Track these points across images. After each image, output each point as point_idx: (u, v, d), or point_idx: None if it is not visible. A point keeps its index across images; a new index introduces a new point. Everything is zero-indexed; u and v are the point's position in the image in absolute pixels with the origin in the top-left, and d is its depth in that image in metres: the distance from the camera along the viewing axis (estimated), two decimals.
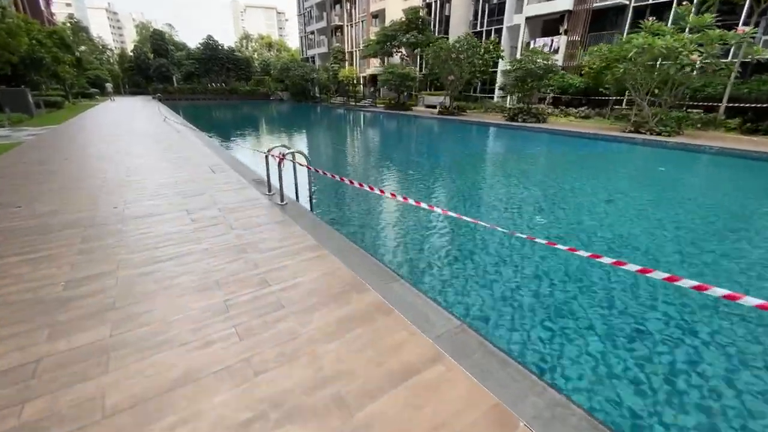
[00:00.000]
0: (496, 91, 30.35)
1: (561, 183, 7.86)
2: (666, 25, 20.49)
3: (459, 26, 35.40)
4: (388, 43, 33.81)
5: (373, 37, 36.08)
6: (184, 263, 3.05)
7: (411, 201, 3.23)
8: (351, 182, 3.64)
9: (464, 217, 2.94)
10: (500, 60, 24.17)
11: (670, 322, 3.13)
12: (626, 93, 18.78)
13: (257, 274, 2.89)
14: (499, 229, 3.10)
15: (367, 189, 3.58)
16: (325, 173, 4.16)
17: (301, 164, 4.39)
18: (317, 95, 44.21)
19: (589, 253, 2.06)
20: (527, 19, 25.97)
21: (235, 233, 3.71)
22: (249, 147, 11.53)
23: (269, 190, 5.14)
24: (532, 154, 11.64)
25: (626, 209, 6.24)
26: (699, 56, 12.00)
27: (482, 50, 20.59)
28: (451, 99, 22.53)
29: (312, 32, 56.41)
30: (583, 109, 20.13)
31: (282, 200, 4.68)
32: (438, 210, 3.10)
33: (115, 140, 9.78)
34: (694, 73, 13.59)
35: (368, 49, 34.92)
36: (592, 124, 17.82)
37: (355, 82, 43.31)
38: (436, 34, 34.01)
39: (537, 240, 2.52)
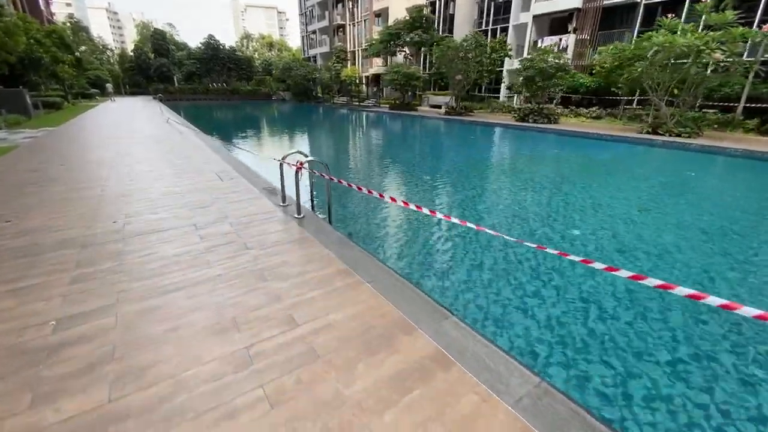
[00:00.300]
0: (502, 91, 29.93)
1: (589, 190, 7.42)
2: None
3: (463, 25, 34.93)
4: (392, 42, 33.37)
5: (376, 36, 35.64)
6: (195, 294, 2.61)
7: (439, 215, 2.80)
8: (381, 196, 3.20)
9: (508, 238, 2.50)
10: (507, 59, 23.70)
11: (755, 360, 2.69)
12: (638, 93, 18.34)
13: (281, 309, 2.45)
14: (550, 250, 2.65)
15: (389, 200, 3.15)
16: (350, 185, 3.72)
17: (322, 175, 3.95)
18: (319, 95, 43.75)
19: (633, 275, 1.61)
20: (535, 17, 25.51)
21: (250, 254, 3.27)
22: (257, 151, 11.04)
23: (283, 201, 4.70)
24: (550, 158, 11.19)
25: (664, 220, 5.79)
26: (722, 54, 11.53)
27: (489, 49, 20.12)
28: (458, 99, 22.07)
29: (314, 31, 55.95)
30: (594, 109, 19.66)
31: (299, 213, 4.24)
32: (471, 226, 2.67)
33: (116, 143, 9.36)
34: (713, 72, 13.14)
35: (371, 48, 34.47)
36: (605, 125, 17.37)
37: (357, 81, 42.86)
38: (440, 33, 33.57)
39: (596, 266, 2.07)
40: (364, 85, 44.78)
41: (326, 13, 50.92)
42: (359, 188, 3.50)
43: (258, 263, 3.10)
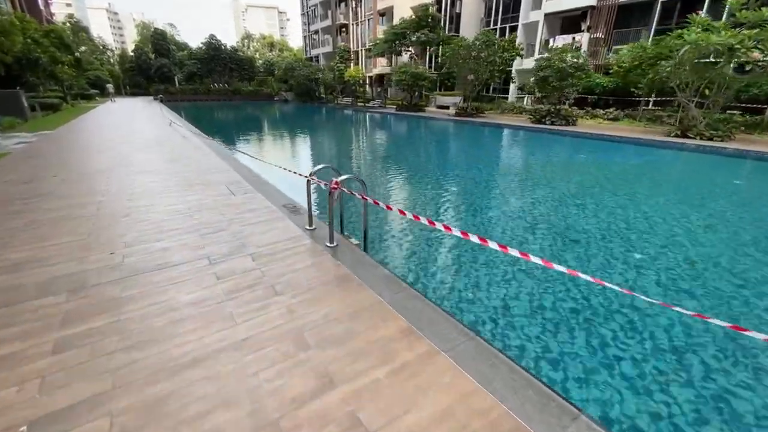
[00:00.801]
0: (511, 91, 29.25)
1: (635, 202, 6.74)
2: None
3: (470, 24, 34.28)
4: (397, 42, 32.69)
5: (381, 35, 34.97)
6: (217, 376, 1.93)
7: (493, 245, 2.13)
8: (430, 222, 2.53)
9: (613, 287, 1.83)
10: (519, 58, 23.00)
11: None
12: (658, 94, 17.65)
13: (339, 403, 1.77)
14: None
15: (426, 222, 2.48)
16: (388, 207, 3.05)
17: (359, 196, 3.27)
18: (322, 96, 43.09)
19: None
20: (546, 15, 24.83)
21: (282, 303, 2.59)
22: (267, 157, 10.34)
23: (310, 224, 4.02)
24: (580, 164, 10.49)
25: (737, 239, 5.11)
26: (760, 54, 10.84)
27: (501, 48, 19.45)
28: (469, 99, 21.38)
29: (316, 31, 55.31)
30: (611, 110, 18.97)
31: (332, 240, 3.57)
32: (536, 261, 2.01)
33: (115, 149, 8.70)
34: (745, 72, 12.46)
35: (376, 47, 33.79)
36: (626, 127, 16.68)
37: (361, 82, 42.19)
38: (447, 32, 32.92)
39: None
40: (367, 86, 44.14)
41: (329, 12, 50.26)
42: (401, 212, 2.82)
43: (294, 318, 2.42)
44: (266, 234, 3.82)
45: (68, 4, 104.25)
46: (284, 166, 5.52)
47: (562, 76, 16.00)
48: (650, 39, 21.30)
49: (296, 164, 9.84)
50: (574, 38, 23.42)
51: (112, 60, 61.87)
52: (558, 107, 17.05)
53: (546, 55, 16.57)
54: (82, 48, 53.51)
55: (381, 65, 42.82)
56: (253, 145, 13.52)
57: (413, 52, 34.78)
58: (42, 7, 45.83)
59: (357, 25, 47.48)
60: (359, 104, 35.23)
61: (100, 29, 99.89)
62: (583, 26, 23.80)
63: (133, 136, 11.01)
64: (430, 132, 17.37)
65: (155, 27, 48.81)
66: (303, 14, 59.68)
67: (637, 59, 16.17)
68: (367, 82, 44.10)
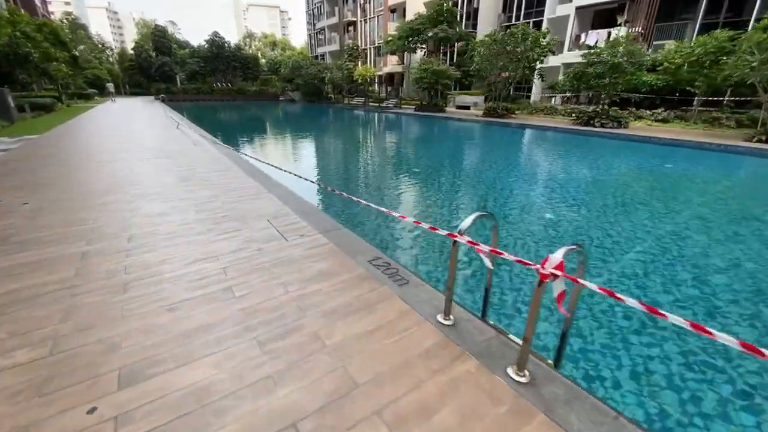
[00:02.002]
0: (535, 90, 27.52)
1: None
2: (753, 13, 17.66)
3: (489, 19, 32.56)
4: (412, 39, 30.99)
5: (393, 32, 33.26)
6: None
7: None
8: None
9: None
10: (551, 54, 21.25)
11: None
12: (711, 93, 15.92)
13: None
14: None
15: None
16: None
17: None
18: (330, 95, 41.34)
19: None
20: (578, 9, 23.10)
21: None
22: (299, 169, 8.49)
23: (446, 314, 2.28)
24: (666, 175, 8.72)
25: None
26: None
27: (537, 42, 17.70)
28: (500, 99, 19.64)
29: (322, 29, 53.59)
30: (658, 110, 17.24)
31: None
32: None
33: (112, 161, 6.97)
34: None
35: (389, 45, 32.08)
36: (680, 129, 14.96)
37: (372, 80, 40.47)
38: (464, 28, 31.22)
39: None
40: (376, 85, 42.43)
41: (336, 9, 48.54)
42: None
43: None
44: (376, 341, 2.07)
45: (67, 2, 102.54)
46: (343, 190, 3.83)
47: (616, 73, 14.25)
48: (695, 34, 19.66)
49: (346, 184, 7.67)
50: (609, 33, 21.69)
51: (111, 59, 60.12)
52: (607, 108, 15.30)
53: (597, 48, 14.77)
54: (81, 47, 51.82)
55: (392, 63, 41.09)
56: (275, 153, 11.59)
57: (428, 49, 33.09)
58: (38, 3, 44.15)
59: (365, 22, 45.76)
60: (372, 104, 33.44)
61: (99, 28, 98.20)
62: (620, 20, 22.10)
63: (134, 143, 9.26)
64: (467, 137, 15.40)
65: (156, 24, 47.00)
66: (308, 11, 57.96)
67: (694, 55, 14.49)
68: (376, 81, 42.36)
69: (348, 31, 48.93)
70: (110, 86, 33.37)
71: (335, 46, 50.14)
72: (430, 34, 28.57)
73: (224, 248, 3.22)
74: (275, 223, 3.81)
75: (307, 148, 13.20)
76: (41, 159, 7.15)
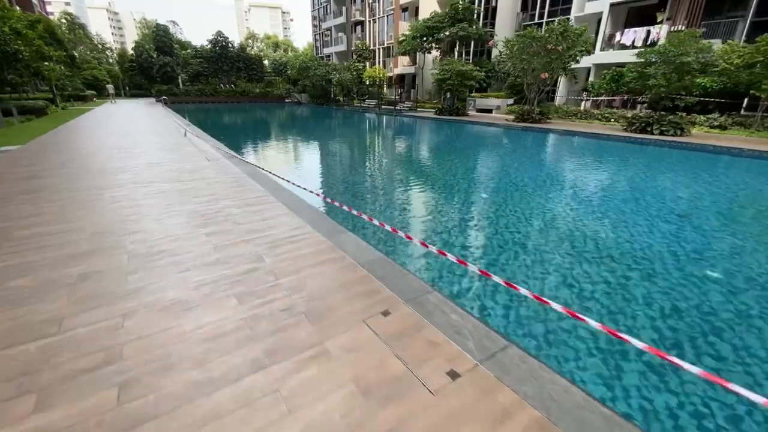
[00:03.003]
0: (560, 93, 25.90)
1: None
2: None
3: (507, 18, 31.02)
4: (427, 38, 29.42)
5: (407, 31, 31.67)
6: None
7: None
8: None
9: None
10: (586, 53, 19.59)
11: None
12: (763, 97, 14.27)
13: None
14: None
15: None
16: None
17: None
18: (339, 97, 39.71)
19: None
20: (612, 5, 21.51)
21: None
22: (361, 202, 6.73)
23: None
24: None
25: None
26: None
27: (578, 41, 16.06)
28: (534, 102, 18.00)
29: (328, 29, 52.05)
30: (714, 116, 15.60)
31: None
32: None
33: (105, 189, 5.30)
34: None
35: (403, 45, 30.45)
36: (745, 137, 13.32)
37: (382, 82, 38.87)
38: (482, 27, 29.64)
39: None
40: (385, 87, 40.78)
41: (343, 8, 47.02)
42: None
43: None
44: None
45: (67, 3, 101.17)
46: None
47: (683, 74, 12.60)
48: (744, 32, 18.08)
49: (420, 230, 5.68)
50: (649, 32, 20.10)
51: (111, 60, 58.51)
52: (665, 113, 13.66)
53: (660, 47, 13.05)
54: (80, 47, 50.22)
55: (402, 65, 39.51)
56: (309, 171, 9.35)
57: (442, 48, 31.52)
58: (35, 2, 42.53)
59: (374, 21, 44.24)
60: (384, 107, 31.78)
61: (100, 29, 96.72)
62: (660, 17, 20.49)
63: (135, 158, 7.59)
64: (512, 147, 12.96)
65: (158, 23, 45.39)
66: (313, 11, 56.45)
67: (763, 53, 12.86)
68: (385, 82, 40.71)
69: (355, 31, 47.41)
70: (110, 87, 31.74)
71: (342, 47, 48.59)
72: (447, 32, 27.00)
73: (278, 366, 1.55)
74: (387, 338, 2.12)
75: (347, 167, 11.44)
76: (14, 182, 5.48)
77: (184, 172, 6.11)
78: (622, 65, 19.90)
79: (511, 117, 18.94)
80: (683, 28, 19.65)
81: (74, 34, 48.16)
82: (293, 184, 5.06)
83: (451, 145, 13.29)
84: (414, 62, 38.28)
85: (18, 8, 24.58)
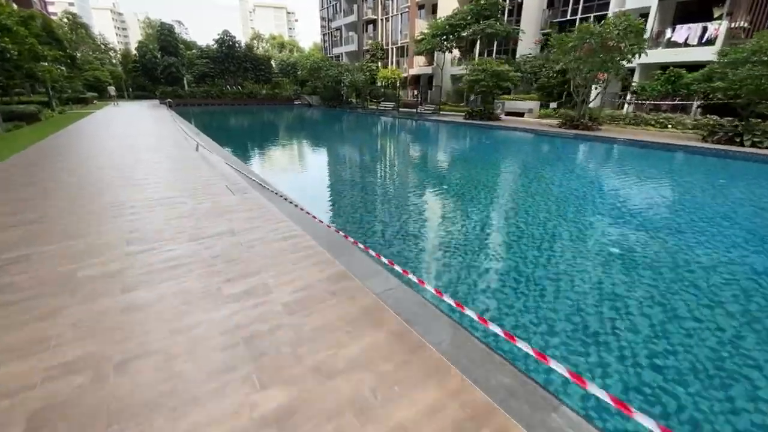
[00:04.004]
0: (594, 95, 23.90)
1: None
2: None
3: (534, 15, 29.09)
4: (449, 36, 27.53)
5: (426, 29, 29.80)
6: None
7: None
8: None
9: None
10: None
11: None
12: None
13: None
14: None
15: None
16: None
17: None
18: (352, 100, 37.86)
19: None
20: (661, 1, 19.52)
21: None
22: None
23: None
24: None
25: None
26: None
27: (641, 37, 14.09)
28: (584, 106, 16.05)
29: (338, 28, 50.26)
30: None
31: None
32: None
33: (86, 252, 3.52)
34: None
35: (423, 43, 28.57)
36: None
37: (397, 83, 37.00)
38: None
39: None
40: (398, 88, 38.90)
41: (354, 6, 45.18)
42: None
43: None
44: None
45: (71, 3, 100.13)
46: None
47: None
48: None
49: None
50: (705, 28, 18.11)
51: (114, 60, 56.96)
52: (757, 121, 11.67)
53: (752, 44, 11.00)
54: (83, 48, 48.70)
55: (418, 65, 37.62)
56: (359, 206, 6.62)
57: (464, 47, 29.63)
58: (36, 0, 40.98)
59: (387, 20, 42.39)
60: (401, 110, 29.88)
61: (104, 30, 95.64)
62: (717, 12, 18.51)
63: (133, 187, 5.72)
64: (586, 161, 10.63)
65: (162, 22, 43.69)
66: (322, 9, 54.68)
67: None
68: (399, 83, 38.81)
69: (366, 30, 45.59)
70: (111, 89, 30.02)
71: (353, 46, 46.80)
72: (472, 30, 25.08)
73: None
74: None
75: (375, 174, 9.53)
76: None
77: (204, 220, 4.22)
78: (675, 65, 17.94)
79: (554, 122, 17.01)
80: (745, 24, 17.70)
81: (76, 34, 46.63)
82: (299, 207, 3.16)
83: (502, 159, 11.24)
84: (430, 62, 36.39)
85: (15, 5, 22.93)
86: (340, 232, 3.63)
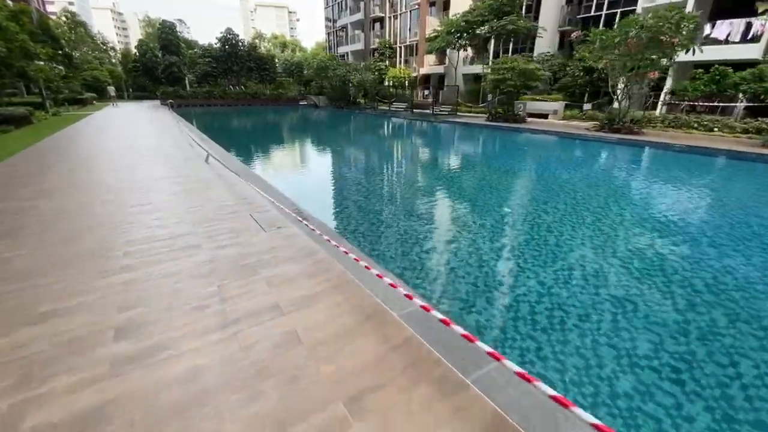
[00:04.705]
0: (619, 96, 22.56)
1: None
2: None
3: (552, 11, 27.78)
4: (464, 34, 26.20)
5: (439, 27, 28.47)
6: None
7: None
8: None
9: None
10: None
11: None
12: None
13: None
14: None
15: None
16: None
17: None
18: (360, 100, 36.54)
19: None
20: None
21: None
22: None
23: None
24: None
25: None
26: None
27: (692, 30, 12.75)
28: (626, 108, 14.71)
29: (343, 26, 48.93)
30: None
31: None
32: None
33: (74, 289, 2.26)
34: None
35: (437, 41, 27.27)
36: None
37: (407, 83, 35.64)
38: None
39: None
40: (407, 88, 37.57)
41: (361, 4, 43.85)
42: None
43: None
44: None
45: (70, 2, 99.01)
46: None
47: None
48: None
49: None
50: (750, 24, 16.77)
51: (114, 60, 55.67)
52: None
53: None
54: (84, 48, 47.45)
55: (428, 64, 36.28)
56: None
57: (478, 45, 28.29)
58: None
59: (395, 18, 41.07)
60: (418, 111, 28.57)
61: (104, 30, 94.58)
62: (761, 7, 17.15)
63: (128, 223, 4.39)
64: (651, 174, 8.88)
65: (163, 19, 42.37)
66: (327, 7, 53.32)
67: None
68: (407, 83, 37.47)
69: (374, 29, 44.28)
70: (111, 89, 28.71)
71: (359, 45, 45.50)
72: (493, 26, 23.73)
73: None
74: None
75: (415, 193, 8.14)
76: None
77: (232, 281, 2.88)
78: (716, 64, 16.59)
79: (583, 124, 15.67)
80: None
81: (75, 33, 45.37)
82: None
83: (558, 173, 9.68)
84: (441, 61, 35.06)
85: (9, 1, 21.63)
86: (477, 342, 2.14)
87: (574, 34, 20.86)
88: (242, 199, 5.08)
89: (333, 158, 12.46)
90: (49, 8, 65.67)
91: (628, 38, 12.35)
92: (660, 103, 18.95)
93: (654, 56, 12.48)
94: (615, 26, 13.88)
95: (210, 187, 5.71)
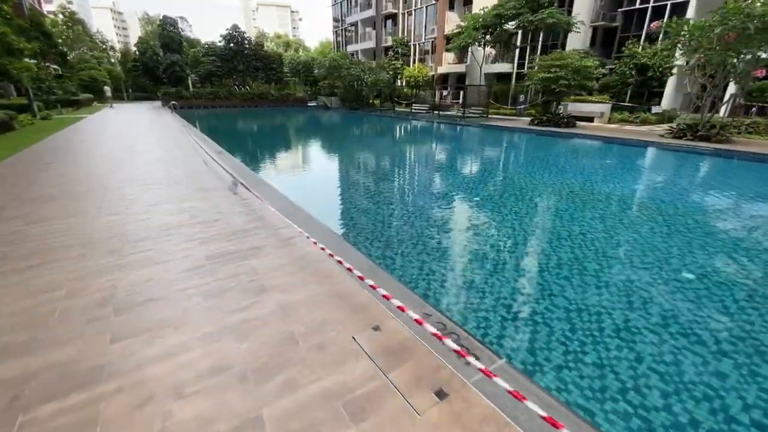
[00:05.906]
0: (668, 94, 20.46)
1: None
2: None
3: (585, 4, 25.66)
4: (492, 29, 24.11)
5: (463, 22, 26.33)
6: None
7: None
8: None
9: None
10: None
11: None
12: None
13: None
14: None
15: None
16: None
17: None
18: (374, 101, 34.40)
19: None
20: None
21: None
22: None
23: None
24: None
25: None
26: None
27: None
28: (708, 111, 12.56)
29: (353, 24, 46.76)
30: None
31: None
32: None
33: None
34: None
35: (462, 37, 25.13)
36: None
37: (423, 84, 33.51)
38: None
39: None
40: (426, 88, 35.43)
41: (372, 0, 41.69)
42: None
43: None
44: None
45: (69, 2, 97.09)
46: None
47: None
48: None
49: None
50: None
51: (113, 59, 53.56)
52: None
53: None
54: (83, 48, 45.40)
55: (448, 62, 34.11)
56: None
57: (503, 41, 26.19)
58: None
59: (409, 14, 38.96)
60: (437, 113, 26.43)
61: (104, 30, 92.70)
62: None
63: (139, 327, 2.27)
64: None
65: (164, 15, 40.21)
66: (335, 4, 51.15)
67: None
68: (422, 83, 35.32)
69: (386, 26, 42.20)
70: (107, 90, 26.60)
71: (370, 43, 43.45)
72: (523, 20, 21.62)
73: None
74: None
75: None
76: None
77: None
78: None
79: (657, 130, 13.52)
80: None
81: (72, 31, 43.31)
82: None
83: (665, 195, 7.49)
84: (461, 60, 32.90)
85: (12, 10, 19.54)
86: None
87: (654, 24, 18.53)
88: (258, 219, 2.92)
89: (397, 187, 9.48)
90: (48, 7, 63.59)
91: (726, 30, 10.20)
92: (726, 105, 16.79)
93: (762, 51, 10.34)
94: (688, 19, 11.72)
95: (258, 252, 3.48)
